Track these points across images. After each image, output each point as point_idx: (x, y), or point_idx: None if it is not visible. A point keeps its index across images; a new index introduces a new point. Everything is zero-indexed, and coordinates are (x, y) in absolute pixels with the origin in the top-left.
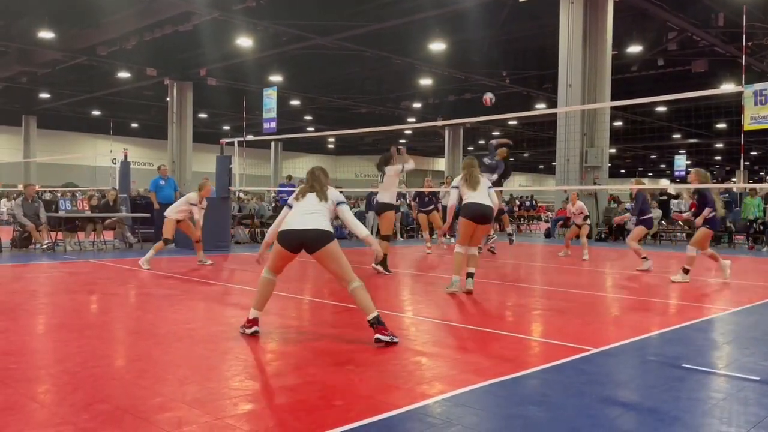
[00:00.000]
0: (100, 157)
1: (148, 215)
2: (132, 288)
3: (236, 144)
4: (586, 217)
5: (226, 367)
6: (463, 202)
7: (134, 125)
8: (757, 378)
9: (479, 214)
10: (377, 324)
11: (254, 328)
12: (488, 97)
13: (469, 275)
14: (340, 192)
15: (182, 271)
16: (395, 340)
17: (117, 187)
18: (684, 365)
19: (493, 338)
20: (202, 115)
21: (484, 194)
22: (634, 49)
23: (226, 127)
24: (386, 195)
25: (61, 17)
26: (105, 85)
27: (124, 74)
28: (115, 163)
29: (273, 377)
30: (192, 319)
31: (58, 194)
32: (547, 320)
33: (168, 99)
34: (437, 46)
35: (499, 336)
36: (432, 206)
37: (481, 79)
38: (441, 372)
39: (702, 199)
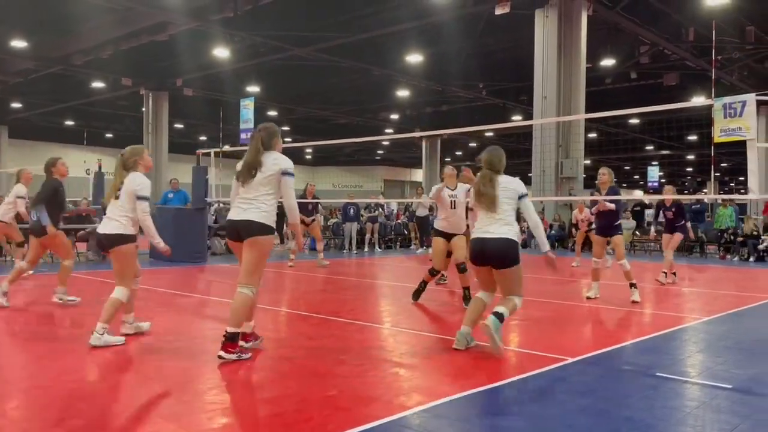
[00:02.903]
0: (73, 168)
1: None
2: (105, 300)
3: (213, 155)
4: (590, 224)
5: (203, 380)
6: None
7: (109, 135)
8: (730, 386)
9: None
10: (229, 340)
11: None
12: None
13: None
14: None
15: (159, 283)
16: (244, 356)
17: (90, 198)
18: (658, 374)
19: (471, 349)
20: (179, 126)
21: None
22: (608, 62)
23: (203, 138)
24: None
25: (35, 26)
26: (79, 95)
27: (98, 84)
28: (88, 174)
29: (250, 390)
30: (168, 332)
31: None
32: (525, 330)
33: (143, 109)
34: (415, 58)
35: (477, 347)
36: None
37: (458, 90)
38: (419, 383)
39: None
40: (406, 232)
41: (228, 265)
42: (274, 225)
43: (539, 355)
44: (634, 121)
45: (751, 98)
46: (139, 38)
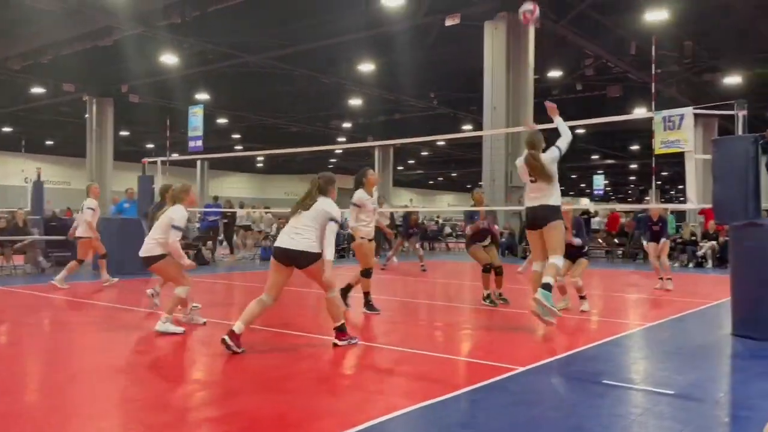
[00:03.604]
0: (11, 177)
1: (63, 238)
2: (44, 316)
3: (159, 163)
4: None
5: (146, 399)
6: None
7: (49, 143)
8: (672, 392)
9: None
10: (339, 331)
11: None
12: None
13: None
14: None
15: (102, 297)
16: (353, 341)
17: (29, 208)
18: (605, 381)
19: (422, 360)
20: (124, 133)
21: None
22: (555, 73)
23: (150, 146)
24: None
25: None
26: (17, 101)
27: (38, 89)
28: (27, 183)
29: (196, 409)
30: (109, 349)
31: None
32: (476, 339)
33: (87, 116)
34: (366, 67)
35: (428, 357)
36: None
37: (410, 100)
38: (371, 397)
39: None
40: None
41: None
42: (320, 250)
43: (490, 365)
44: (580, 131)
45: (688, 111)
46: (82, 43)
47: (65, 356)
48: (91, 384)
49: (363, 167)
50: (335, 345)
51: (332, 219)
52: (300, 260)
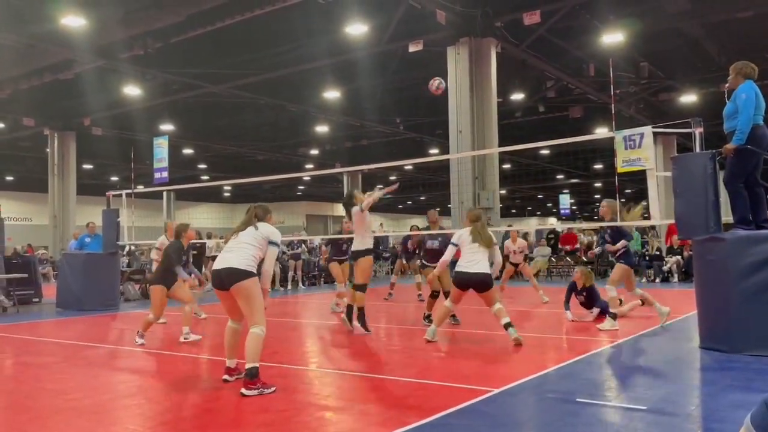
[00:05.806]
0: None
1: (25, 275)
2: (5, 356)
3: (124, 196)
4: (526, 256)
5: None
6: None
7: (9, 178)
8: (645, 407)
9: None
10: (248, 377)
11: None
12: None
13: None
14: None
15: (66, 334)
16: (267, 391)
17: None
18: (578, 400)
19: (396, 386)
20: (87, 166)
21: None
22: (517, 96)
23: (115, 178)
24: (357, 240)
25: None
26: None
27: None
28: None
29: None
30: (74, 389)
31: None
32: (449, 362)
33: (48, 150)
34: (332, 94)
35: (402, 383)
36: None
37: (376, 125)
38: (346, 426)
39: (616, 233)
40: None
41: (142, 311)
42: (252, 270)
43: (464, 388)
44: (545, 151)
45: (647, 130)
46: (41, 77)
47: (26, 397)
48: (55, 426)
49: (349, 192)
50: (243, 395)
51: (272, 242)
52: (229, 278)
